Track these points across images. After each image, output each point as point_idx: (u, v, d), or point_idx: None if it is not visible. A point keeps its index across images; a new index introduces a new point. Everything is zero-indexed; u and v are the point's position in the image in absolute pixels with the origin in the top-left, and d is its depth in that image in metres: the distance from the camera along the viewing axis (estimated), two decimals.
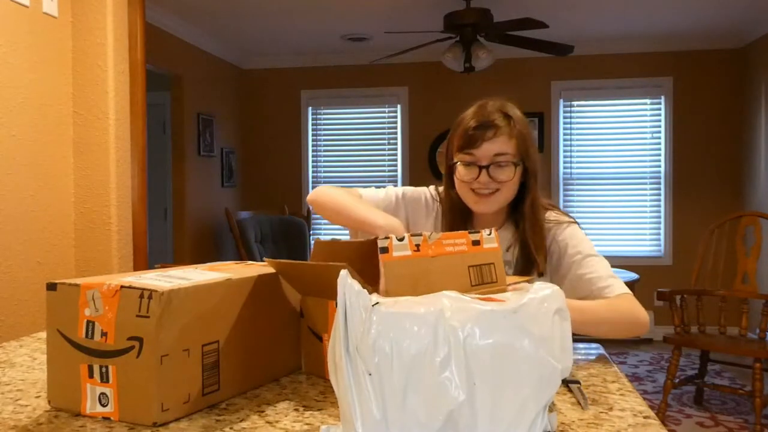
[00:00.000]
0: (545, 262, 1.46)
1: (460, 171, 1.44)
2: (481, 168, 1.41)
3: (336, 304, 0.74)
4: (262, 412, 0.97)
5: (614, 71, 5.50)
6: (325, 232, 5.97)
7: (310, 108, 6.01)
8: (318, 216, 6.07)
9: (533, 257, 1.44)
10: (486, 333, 0.74)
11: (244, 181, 6.06)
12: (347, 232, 1.53)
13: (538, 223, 1.46)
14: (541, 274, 1.46)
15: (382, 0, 4.30)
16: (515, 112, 1.45)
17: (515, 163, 1.41)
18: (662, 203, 5.52)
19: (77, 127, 2.47)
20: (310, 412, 0.97)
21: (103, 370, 0.93)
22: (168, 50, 4.75)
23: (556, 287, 0.82)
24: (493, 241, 1.06)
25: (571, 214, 1.55)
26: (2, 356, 1.30)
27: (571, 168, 5.65)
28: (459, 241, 1.02)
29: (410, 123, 5.78)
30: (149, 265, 2.76)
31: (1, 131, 2.15)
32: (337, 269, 0.76)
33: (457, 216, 1.52)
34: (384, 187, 1.64)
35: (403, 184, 5.59)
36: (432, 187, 1.63)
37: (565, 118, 5.63)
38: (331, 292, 0.75)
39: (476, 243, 1.04)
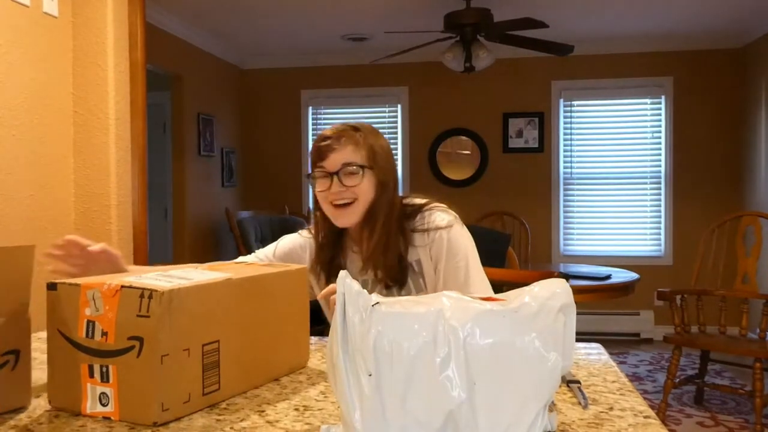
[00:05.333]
0: (413, 269, 1.50)
1: (316, 185, 1.50)
2: (331, 176, 1.45)
3: None
4: (262, 412, 0.97)
5: (614, 71, 5.50)
6: None
7: (310, 108, 6.01)
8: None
9: (401, 263, 1.49)
10: (486, 333, 0.74)
11: (244, 181, 6.05)
12: None
13: (391, 229, 1.48)
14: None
15: (382, 0, 4.30)
16: (366, 127, 1.52)
17: (362, 167, 1.46)
18: (662, 203, 5.52)
19: (77, 127, 2.47)
20: (310, 412, 0.97)
21: (104, 369, 0.93)
22: (168, 50, 4.75)
23: (563, 282, 0.82)
24: None
25: (451, 214, 1.52)
26: None
27: (571, 168, 5.65)
28: None
29: (410, 123, 5.77)
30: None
31: (1, 131, 2.15)
32: None
33: (329, 236, 1.55)
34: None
35: (404, 184, 5.59)
36: (304, 229, 1.67)
37: (565, 117, 5.62)
38: None
39: None
